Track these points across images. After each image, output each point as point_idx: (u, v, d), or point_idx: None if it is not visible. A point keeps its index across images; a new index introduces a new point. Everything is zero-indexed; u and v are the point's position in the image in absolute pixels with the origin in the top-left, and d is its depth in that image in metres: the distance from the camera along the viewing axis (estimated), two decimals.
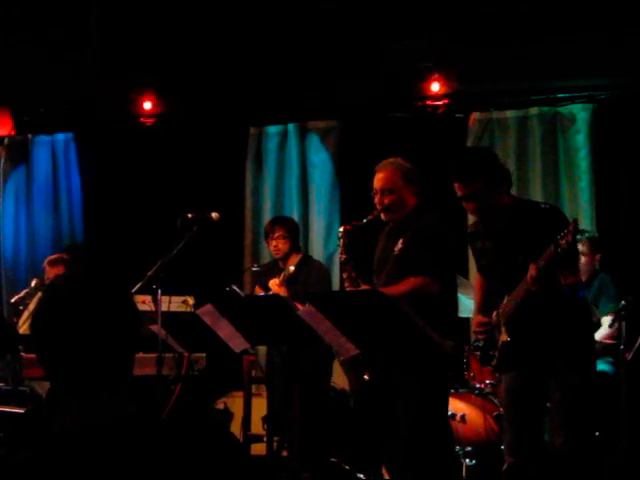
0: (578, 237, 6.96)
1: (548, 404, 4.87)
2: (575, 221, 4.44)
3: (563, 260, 4.46)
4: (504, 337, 4.79)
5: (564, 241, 4.37)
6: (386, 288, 5.13)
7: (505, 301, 4.82)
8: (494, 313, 4.90)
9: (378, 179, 5.44)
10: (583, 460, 4.70)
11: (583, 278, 7.01)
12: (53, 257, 8.07)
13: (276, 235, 7.06)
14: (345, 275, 5.63)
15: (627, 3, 7.16)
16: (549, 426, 4.95)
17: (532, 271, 4.52)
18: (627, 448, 6.22)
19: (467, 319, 6.51)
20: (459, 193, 4.81)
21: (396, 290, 5.12)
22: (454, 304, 5.45)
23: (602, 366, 6.84)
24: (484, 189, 4.74)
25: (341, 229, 5.69)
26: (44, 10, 7.92)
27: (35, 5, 7.87)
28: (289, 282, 6.91)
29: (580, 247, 6.98)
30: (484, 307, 5.03)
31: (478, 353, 5.33)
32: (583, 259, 6.98)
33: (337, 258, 8.24)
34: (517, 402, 4.84)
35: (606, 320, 6.74)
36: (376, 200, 5.42)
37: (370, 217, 5.48)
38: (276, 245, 7.07)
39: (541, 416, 4.93)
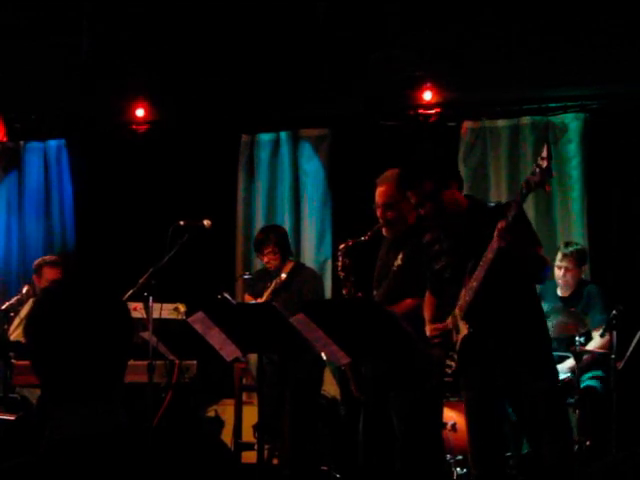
0: (570, 249, 6.99)
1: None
2: (547, 144, 4.20)
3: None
4: (464, 331, 4.63)
5: (538, 168, 4.11)
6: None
7: (462, 296, 4.64)
8: (449, 317, 4.74)
9: (379, 193, 5.33)
10: (574, 464, 4.71)
11: (570, 291, 7.06)
12: (52, 258, 8.00)
13: (266, 252, 7.10)
14: (345, 292, 5.59)
15: (618, 14, 7.18)
16: (528, 438, 4.94)
17: (501, 224, 4.31)
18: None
19: None
20: (413, 200, 4.70)
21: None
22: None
23: (590, 382, 6.84)
24: (435, 189, 4.61)
25: (341, 247, 5.64)
26: (36, 17, 7.91)
27: (27, 12, 7.86)
28: (281, 290, 6.93)
29: (565, 263, 7.00)
30: (434, 320, 4.89)
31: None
32: (569, 274, 7.00)
33: (329, 266, 8.30)
34: (477, 419, 4.77)
35: (596, 333, 6.73)
36: (378, 214, 5.34)
37: (370, 233, 5.42)
38: (268, 261, 7.13)
39: (501, 429, 4.89)
